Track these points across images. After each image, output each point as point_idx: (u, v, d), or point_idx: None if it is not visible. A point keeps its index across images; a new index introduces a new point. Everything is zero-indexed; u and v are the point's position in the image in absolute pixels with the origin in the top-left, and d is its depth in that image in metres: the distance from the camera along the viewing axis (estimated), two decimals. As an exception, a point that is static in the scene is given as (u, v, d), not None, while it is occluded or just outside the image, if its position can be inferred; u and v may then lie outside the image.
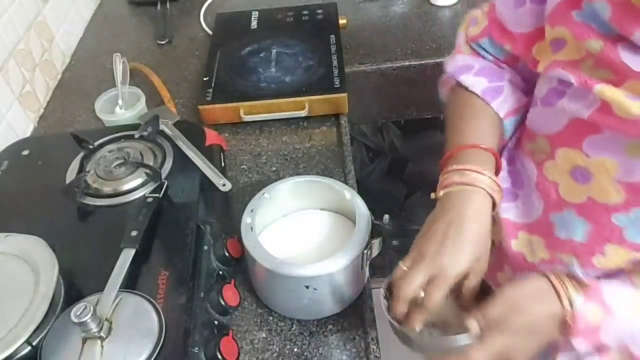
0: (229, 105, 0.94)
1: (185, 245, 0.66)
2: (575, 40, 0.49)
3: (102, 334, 0.55)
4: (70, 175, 0.77)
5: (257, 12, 1.16)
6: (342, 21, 1.11)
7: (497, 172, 0.60)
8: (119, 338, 0.55)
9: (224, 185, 0.76)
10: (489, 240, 0.55)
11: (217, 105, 0.94)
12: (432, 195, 0.59)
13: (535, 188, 0.59)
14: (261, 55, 1.03)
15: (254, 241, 0.64)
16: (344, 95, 0.93)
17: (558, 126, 0.54)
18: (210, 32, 1.20)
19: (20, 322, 0.55)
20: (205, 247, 0.70)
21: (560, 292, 0.51)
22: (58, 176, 0.77)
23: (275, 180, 0.72)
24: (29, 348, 0.56)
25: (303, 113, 0.94)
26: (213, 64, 1.02)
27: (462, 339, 0.52)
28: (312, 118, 0.96)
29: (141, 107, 0.96)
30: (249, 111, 0.94)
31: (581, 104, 0.50)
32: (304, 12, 1.14)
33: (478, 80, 0.63)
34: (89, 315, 0.52)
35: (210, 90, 0.96)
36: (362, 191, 0.74)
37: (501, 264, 0.67)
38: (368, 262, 0.66)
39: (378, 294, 0.59)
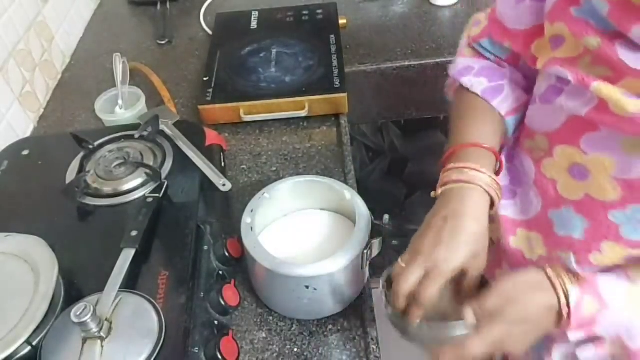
0: (229, 105, 0.94)
1: (185, 245, 0.66)
2: (573, 37, 0.49)
3: (102, 334, 0.55)
4: (70, 175, 0.77)
5: (257, 12, 1.16)
6: (342, 21, 1.11)
7: (498, 171, 0.61)
8: (119, 338, 0.55)
9: (224, 185, 0.76)
10: (486, 238, 0.56)
11: (217, 105, 0.94)
12: (433, 194, 0.59)
13: (534, 185, 0.59)
14: (261, 55, 1.03)
15: (254, 241, 0.65)
16: (344, 95, 0.93)
17: (556, 124, 0.54)
18: (210, 32, 1.20)
19: (20, 322, 0.55)
20: (205, 247, 0.70)
21: (556, 284, 0.52)
22: (58, 176, 0.77)
23: (275, 180, 0.72)
24: (29, 348, 0.56)
25: (303, 113, 0.94)
26: (213, 64, 1.02)
27: (458, 328, 0.52)
28: (312, 118, 0.96)
29: (141, 107, 0.96)
30: (249, 111, 0.94)
31: (579, 102, 0.50)
32: (304, 12, 1.14)
33: (478, 81, 0.63)
34: (89, 315, 0.53)
35: (210, 90, 0.96)
36: (362, 191, 0.74)
37: (499, 261, 0.67)
38: (368, 262, 0.66)
39: (378, 287, 0.60)
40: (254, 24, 1.13)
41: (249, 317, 0.70)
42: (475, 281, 0.56)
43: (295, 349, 0.66)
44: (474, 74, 0.64)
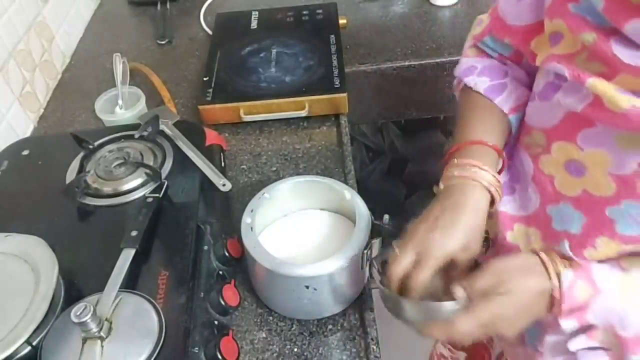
0: (229, 105, 0.94)
1: (185, 245, 0.66)
2: (571, 33, 0.50)
3: (102, 334, 0.55)
4: (70, 175, 0.77)
5: (257, 12, 1.16)
6: (342, 21, 1.11)
7: (501, 169, 0.61)
8: (119, 338, 0.55)
9: (224, 185, 0.76)
10: (480, 233, 0.56)
11: (217, 105, 0.94)
12: (434, 189, 0.60)
13: (532, 181, 0.59)
14: (261, 55, 1.03)
15: (254, 241, 0.65)
16: (344, 95, 0.93)
17: (554, 120, 0.55)
18: (210, 32, 1.20)
19: (20, 322, 0.55)
20: (205, 247, 0.70)
21: (549, 267, 0.52)
22: (58, 176, 0.77)
23: (275, 180, 0.72)
24: (29, 348, 0.56)
25: (303, 113, 0.94)
26: (213, 64, 1.02)
27: (449, 306, 0.53)
28: (312, 118, 0.96)
29: (141, 107, 0.96)
30: (249, 111, 0.94)
31: (575, 98, 0.51)
32: (304, 12, 1.14)
33: (481, 80, 0.64)
34: (89, 315, 0.53)
35: (210, 90, 0.96)
36: (362, 191, 0.74)
37: (496, 256, 0.67)
38: (368, 262, 0.66)
39: (373, 270, 0.61)
40: (254, 24, 1.13)
41: (249, 317, 0.70)
42: (462, 272, 0.57)
43: (295, 349, 0.66)
44: (477, 73, 0.65)
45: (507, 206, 0.63)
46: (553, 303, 0.52)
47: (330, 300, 0.67)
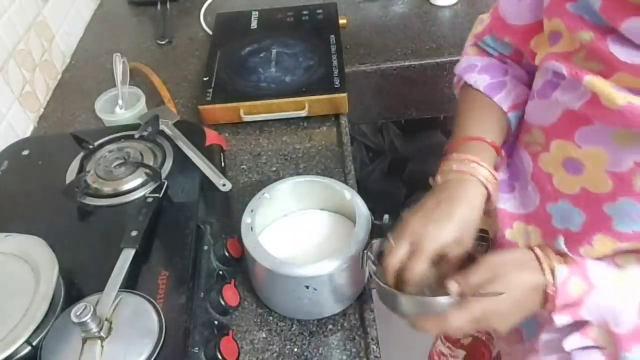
0: (229, 105, 0.94)
1: (185, 245, 0.66)
2: (568, 32, 0.50)
3: (102, 334, 0.55)
4: (70, 175, 0.77)
5: (257, 12, 1.16)
6: (342, 21, 1.11)
7: (500, 166, 0.62)
8: (119, 338, 0.55)
9: (224, 185, 0.76)
10: (473, 228, 0.57)
11: (217, 105, 0.94)
12: (431, 180, 0.60)
13: (531, 180, 0.60)
14: (261, 55, 1.03)
15: (254, 241, 0.65)
16: (344, 95, 0.93)
17: (552, 118, 0.55)
18: (210, 32, 1.20)
19: (20, 322, 0.55)
20: (205, 247, 0.70)
21: (543, 263, 0.53)
22: (58, 176, 0.77)
23: (275, 180, 0.72)
24: (29, 348, 0.56)
25: (303, 113, 0.94)
26: (213, 64, 1.02)
27: (443, 300, 0.53)
28: (312, 118, 0.96)
29: (141, 107, 0.96)
30: (249, 111, 0.94)
31: (573, 96, 0.51)
32: (304, 12, 1.14)
33: (481, 78, 0.64)
34: (89, 315, 0.53)
35: (210, 90, 0.96)
36: (362, 191, 0.74)
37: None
38: (368, 262, 0.66)
39: (369, 262, 0.61)
40: (254, 24, 1.13)
41: (249, 317, 0.70)
42: (458, 264, 0.58)
43: (295, 349, 0.66)
44: (477, 71, 0.65)
45: (506, 204, 0.63)
46: (547, 298, 0.52)
47: (330, 300, 0.67)
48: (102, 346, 0.54)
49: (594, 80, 0.47)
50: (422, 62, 1.09)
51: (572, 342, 0.54)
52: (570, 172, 0.54)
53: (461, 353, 1.01)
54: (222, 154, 0.84)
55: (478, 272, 0.53)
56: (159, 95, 1.03)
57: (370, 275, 0.60)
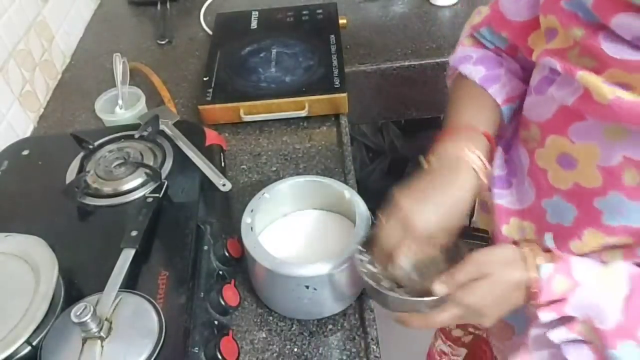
0: (229, 105, 0.94)
1: (185, 245, 0.66)
2: (563, 28, 0.51)
3: (102, 334, 0.55)
4: (70, 175, 0.77)
5: (257, 12, 1.16)
6: (342, 21, 1.11)
7: (491, 157, 0.62)
8: (119, 338, 0.55)
9: (224, 185, 0.76)
10: (462, 215, 0.57)
11: (217, 105, 0.94)
12: (421, 160, 0.61)
13: (528, 175, 0.60)
14: (261, 55, 1.03)
15: (254, 241, 0.65)
16: (344, 95, 0.93)
17: (548, 114, 0.56)
18: (210, 32, 1.20)
19: (20, 322, 0.55)
20: (205, 247, 0.70)
21: (528, 259, 0.54)
22: (58, 176, 0.77)
23: (275, 180, 0.72)
24: (29, 348, 0.56)
25: (303, 113, 0.94)
26: (213, 64, 1.02)
27: (429, 301, 0.54)
28: (312, 118, 0.96)
29: (141, 107, 0.96)
30: (249, 111, 0.94)
31: (567, 91, 0.51)
32: (304, 12, 1.14)
33: (476, 69, 0.64)
34: (89, 315, 0.53)
35: (210, 90, 0.96)
36: (362, 191, 0.74)
37: None
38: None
39: (357, 255, 0.62)
40: (254, 24, 1.13)
41: (249, 317, 0.70)
42: (433, 253, 0.59)
43: (295, 349, 0.66)
44: (472, 63, 0.65)
45: (503, 200, 0.64)
46: (531, 295, 0.53)
47: (330, 300, 0.67)
48: (102, 346, 0.54)
49: (586, 76, 0.48)
50: (422, 62, 1.09)
51: (558, 334, 0.55)
52: (564, 167, 0.54)
53: (462, 351, 1.01)
54: (222, 154, 0.84)
55: (464, 269, 0.54)
56: (159, 95, 1.03)
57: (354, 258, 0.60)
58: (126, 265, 0.61)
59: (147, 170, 0.75)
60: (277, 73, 0.99)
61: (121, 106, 0.97)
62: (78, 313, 0.53)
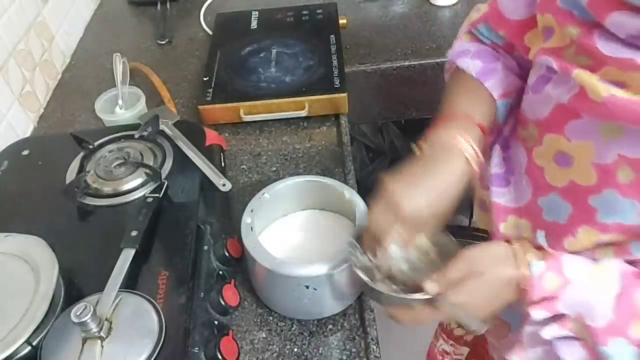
0: (229, 105, 0.94)
1: (185, 245, 0.66)
2: (559, 27, 0.51)
3: (102, 334, 0.55)
4: (70, 175, 0.77)
5: (257, 12, 1.16)
6: (342, 21, 1.11)
7: (485, 149, 0.62)
8: (119, 338, 0.55)
9: (224, 185, 0.76)
10: (451, 199, 0.58)
11: (217, 105, 0.94)
12: (413, 148, 0.61)
13: (525, 174, 0.60)
14: (261, 55, 1.03)
15: (254, 241, 0.65)
16: (344, 95, 0.93)
17: (545, 112, 0.56)
18: (210, 32, 1.20)
19: (20, 322, 0.55)
20: (205, 247, 0.70)
21: (518, 256, 0.54)
22: (58, 176, 0.77)
23: (275, 180, 0.72)
24: (29, 348, 0.56)
25: (303, 113, 0.94)
26: (213, 64, 1.02)
27: (420, 298, 0.55)
28: (312, 118, 0.96)
29: (141, 107, 0.96)
30: (249, 111, 0.94)
31: (563, 89, 0.52)
32: (304, 12, 1.14)
33: (473, 63, 0.65)
34: (89, 315, 0.53)
35: (210, 90, 0.96)
36: (362, 191, 0.73)
37: None
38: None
39: (350, 250, 0.62)
40: (254, 24, 1.13)
41: (249, 317, 0.70)
42: (425, 241, 0.59)
43: (295, 349, 0.66)
44: (470, 57, 0.66)
45: (501, 198, 0.64)
46: (522, 292, 0.53)
47: (330, 300, 0.67)
48: (102, 346, 0.54)
49: (581, 74, 0.48)
50: (422, 62, 1.09)
51: (550, 331, 0.55)
52: (561, 165, 0.55)
53: (465, 350, 1.01)
54: (222, 154, 0.84)
55: (455, 266, 0.54)
56: (159, 95, 1.03)
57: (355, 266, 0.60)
58: (126, 265, 0.61)
59: (147, 170, 0.75)
60: (277, 73, 0.99)
61: (121, 106, 0.97)
62: (78, 313, 0.53)
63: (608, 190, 0.50)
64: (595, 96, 0.47)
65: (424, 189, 0.56)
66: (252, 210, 0.68)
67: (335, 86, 0.93)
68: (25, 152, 0.83)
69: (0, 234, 0.65)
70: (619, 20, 0.45)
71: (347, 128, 0.94)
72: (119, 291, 0.58)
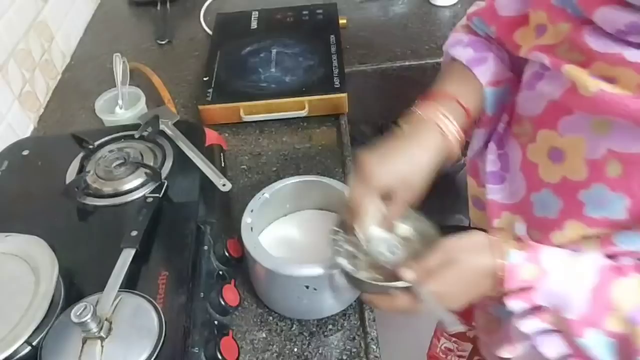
0: (229, 105, 0.94)
1: (185, 245, 0.66)
2: (551, 24, 0.52)
3: (102, 334, 0.55)
4: (70, 175, 0.77)
5: (257, 12, 1.16)
6: (342, 21, 1.12)
7: (468, 132, 0.63)
8: (119, 338, 0.55)
9: (224, 185, 0.76)
10: (424, 171, 0.59)
11: (217, 105, 0.94)
12: (400, 122, 0.63)
13: (520, 170, 0.60)
14: (261, 55, 1.03)
15: (254, 241, 0.65)
16: (344, 95, 0.93)
17: (538, 109, 0.56)
18: (210, 32, 1.20)
19: (20, 322, 0.55)
20: (205, 247, 0.70)
21: (495, 246, 0.54)
22: (58, 176, 0.77)
23: (275, 180, 0.72)
24: (29, 348, 0.56)
25: (303, 113, 0.94)
26: (213, 64, 1.02)
27: (398, 286, 0.55)
28: (312, 118, 0.96)
29: (141, 107, 0.96)
30: (249, 111, 0.94)
31: (555, 85, 0.52)
32: (304, 12, 1.14)
33: (465, 51, 0.66)
34: (89, 315, 0.52)
35: (210, 90, 0.96)
36: (362, 191, 0.73)
37: None
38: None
39: (333, 241, 0.62)
40: (254, 24, 1.13)
41: (249, 317, 0.70)
42: (398, 210, 0.60)
43: (295, 349, 0.66)
44: (462, 46, 0.67)
45: (496, 195, 0.64)
46: (498, 282, 0.53)
47: (330, 300, 0.67)
48: (102, 346, 0.54)
49: (571, 69, 0.48)
50: (422, 62, 1.09)
51: (529, 324, 0.55)
52: (554, 161, 0.55)
53: (468, 346, 1.01)
54: (222, 154, 0.84)
55: (432, 257, 0.55)
56: (159, 95, 1.03)
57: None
58: (126, 265, 0.61)
59: (147, 170, 0.75)
60: (277, 73, 0.99)
61: (121, 106, 0.97)
62: (78, 313, 0.53)
63: (597, 184, 0.51)
64: (584, 91, 0.47)
65: (394, 158, 0.58)
66: (252, 210, 0.68)
67: (335, 86, 0.93)
68: (25, 152, 0.83)
69: (0, 234, 0.65)
70: (607, 15, 0.45)
71: (347, 128, 0.94)
72: (119, 291, 0.58)
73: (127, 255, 0.62)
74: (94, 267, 0.64)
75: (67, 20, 1.20)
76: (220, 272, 0.69)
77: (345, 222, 0.60)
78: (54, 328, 0.57)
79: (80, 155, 0.80)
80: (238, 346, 0.64)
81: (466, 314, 0.79)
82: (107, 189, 0.74)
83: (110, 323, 0.56)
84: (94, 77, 1.12)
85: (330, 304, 0.67)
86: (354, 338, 0.67)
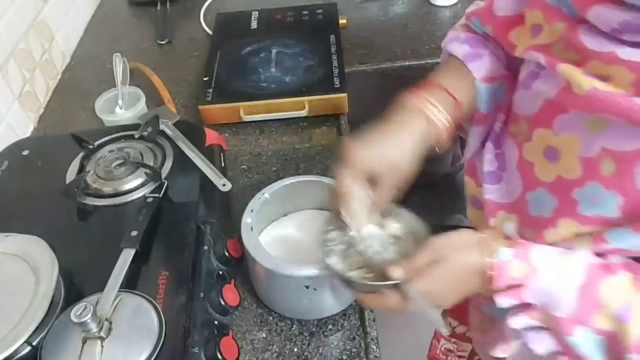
0: (229, 105, 0.94)
1: (185, 245, 0.66)
2: (547, 23, 0.52)
3: (102, 334, 0.55)
4: (70, 175, 0.77)
5: (257, 12, 1.16)
6: (342, 21, 1.12)
7: (458, 124, 0.64)
8: (119, 338, 0.55)
9: (224, 185, 0.76)
10: (409, 157, 0.59)
11: (217, 105, 0.94)
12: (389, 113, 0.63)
13: (516, 169, 0.61)
14: (261, 55, 1.03)
15: (254, 241, 0.65)
16: (344, 95, 0.93)
17: (534, 108, 0.56)
18: (210, 32, 1.20)
19: (20, 322, 0.55)
20: (205, 247, 0.70)
21: (483, 245, 0.54)
22: (58, 176, 0.77)
23: (275, 180, 0.72)
24: (29, 348, 0.56)
25: (303, 113, 0.94)
26: (213, 64, 1.02)
27: (387, 285, 0.55)
28: (312, 118, 0.96)
29: (141, 107, 0.96)
30: (249, 111, 0.94)
31: (550, 84, 0.53)
32: (304, 12, 1.14)
33: (462, 47, 0.66)
34: (89, 315, 0.53)
35: (210, 90, 0.96)
36: (362, 191, 0.73)
37: None
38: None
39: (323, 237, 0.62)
40: (254, 24, 1.13)
41: (249, 317, 0.70)
42: (384, 197, 0.60)
43: (295, 349, 0.66)
44: (459, 42, 0.67)
45: (493, 195, 0.64)
46: (487, 280, 0.53)
47: (330, 300, 0.67)
48: (102, 346, 0.54)
49: (566, 68, 0.49)
50: (422, 62, 1.09)
51: (518, 321, 0.55)
52: (550, 159, 0.55)
53: (468, 347, 1.01)
54: (222, 154, 0.84)
55: (421, 255, 0.55)
56: (159, 95, 1.03)
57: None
58: (126, 265, 0.61)
59: (147, 170, 0.75)
60: (277, 73, 0.99)
61: (121, 106, 0.97)
62: (78, 313, 0.53)
63: (591, 183, 0.51)
64: (578, 90, 0.47)
65: (378, 142, 0.58)
66: (252, 210, 0.68)
67: (335, 86, 0.94)
68: (25, 152, 0.83)
69: (0, 234, 0.65)
70: (600, 14, 0.45)
71: (347, 128, 0.94)
72: (119, 291, 0.58)
73: (127, 255, 0.62)
74: (94, 267, 0.64)
75: (67, 20, 1.20)
76: (220, 272, 0.69)
77: (335, 210, 0.60)
78: (54, 328, 0.57)
79: (80, 155, 0.80)
80: (238, 346, 0.64)
81: (462, 314, 0.79)
82: (107, 189, 0.74)
83: (110, 323, 0.56)
84: (94, 77, 1.12)
85: (330, 304, 0.67)
86: (354, 338, 0.67)
